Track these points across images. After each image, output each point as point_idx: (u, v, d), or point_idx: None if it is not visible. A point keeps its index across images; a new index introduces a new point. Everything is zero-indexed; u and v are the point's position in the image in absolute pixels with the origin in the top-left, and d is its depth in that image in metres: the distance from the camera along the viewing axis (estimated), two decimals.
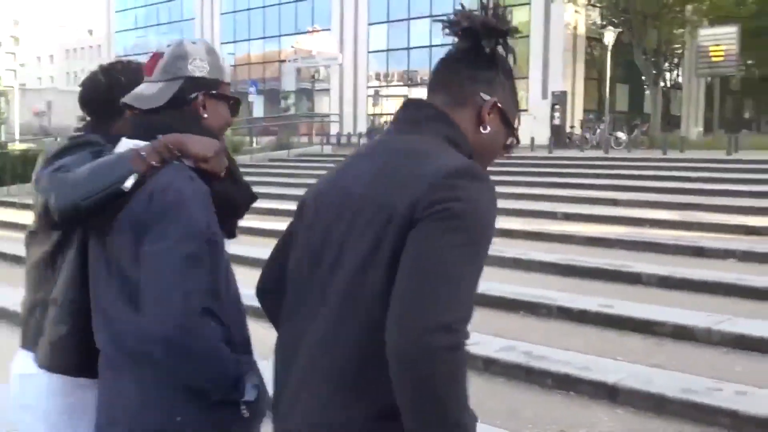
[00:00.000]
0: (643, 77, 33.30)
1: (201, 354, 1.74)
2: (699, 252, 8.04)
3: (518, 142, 1.76)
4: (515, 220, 10.07)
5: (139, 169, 1.78)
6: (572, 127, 32.42)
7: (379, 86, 46.19)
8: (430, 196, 1.43)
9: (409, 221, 1.43)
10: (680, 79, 43.65)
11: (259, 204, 2.23)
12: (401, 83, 46.79)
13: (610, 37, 27.41)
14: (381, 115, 46.34)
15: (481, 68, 1.69)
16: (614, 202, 11.85)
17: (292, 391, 1.58)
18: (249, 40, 50.51)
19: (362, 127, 42.28)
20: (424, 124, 1.64)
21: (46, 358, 2.09)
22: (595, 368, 4.83)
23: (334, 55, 38.27)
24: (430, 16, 42.52)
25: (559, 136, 29.31)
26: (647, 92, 33.79)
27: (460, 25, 1.71)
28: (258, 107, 49.71)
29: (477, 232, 1.44)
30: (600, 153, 21.80)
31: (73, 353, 2.04)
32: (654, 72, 32.22)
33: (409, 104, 1.74)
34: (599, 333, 5.72)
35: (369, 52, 45.95)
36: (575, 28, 36.70)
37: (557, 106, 32.29)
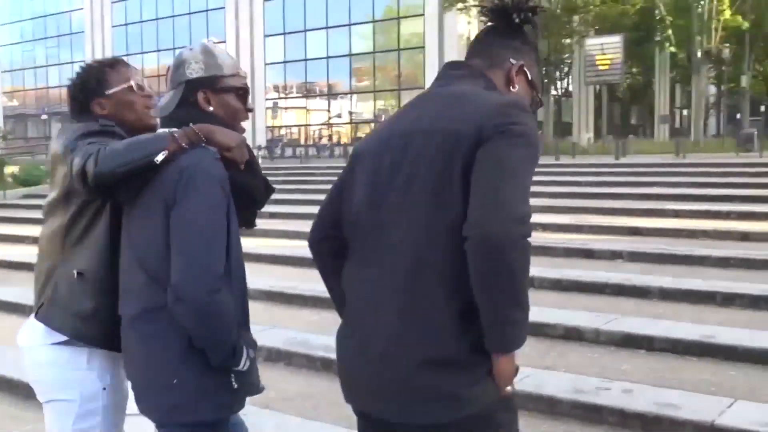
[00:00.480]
0: None
1: (218, 317, 1.96)
2: (589, 254, 8.26)
3: (542, 103, 2.10)
4: None
5: (170, 148, 2.02)
6: None
7: (278, 98, 45.90)
8: (493, 121, 1.74)
9: (476, 141, 1.72)
10: (571, 88, 45.11)
11: None
12: (300, 95, 46.66)
13: None
14: (280, 127, 46.04)
15: (510, 37, 2.00)
16: None
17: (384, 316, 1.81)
18: (142, 53, 49.33)
19: (261, 140, 41.89)
20: (467, 79, 1.95)
21: (74, 329, 2.25)
22: None
23: None
24: (326, 27, 42.64)
25: None
26: None
27: (493, 2, 2.01)
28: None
29: (533, 149, 1.77)
30: None
31: (98, 326, 2.24)
32: (545, 80, 33.16)
33: (451, 64, 2.05)
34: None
35: (266, 64, 45.63)
36: (468, 38, 37.39)
37: None
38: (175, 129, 2.09)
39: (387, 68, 42.48)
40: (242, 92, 2.26)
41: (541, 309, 6.21)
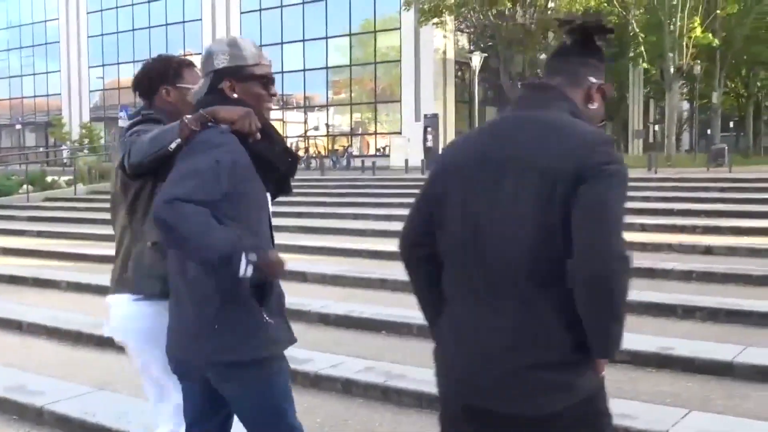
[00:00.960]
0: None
1: (182, 219, 2.21)
2: None
3: (610, 117, 2.33)
4: (385, 241, 10.14)
5: (183, 135, 2.42)
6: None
7: None
8: (591, 161, 1.90)
9: (576, 179, 1.88)
10: None
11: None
12: (277, 107, 46.58)
13: (477, 61, 28.26)
14: None
15: (588, 56, 2.16)
16: None
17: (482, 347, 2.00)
18: (118, 63, 49.10)
19: None
20: (552, 102, 2.08)
21: (158, 289, 2.70)
22: (426, 378, 4.91)
23: None
24: (303, 39, 42.73)
25: (432, 157, 29.85)
26: None
27: (574, 22, 2.15)
28: None
29: (626, 184, 1.95)
30: None
31: (162, 284, 2.64)
32: None
33: (535, 86, 2.19)
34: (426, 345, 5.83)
35: None
36: (444, 52, 37.67)
37: (430, 129, 32.96)
38: (187, 116, 2.46)
39: (364, 81, 42.63)
40: (265, 80, 2.59)
41: None
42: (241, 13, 44.85)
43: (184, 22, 47.18)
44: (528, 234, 1.93)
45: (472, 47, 36.21)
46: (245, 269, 2.25)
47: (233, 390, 2.49)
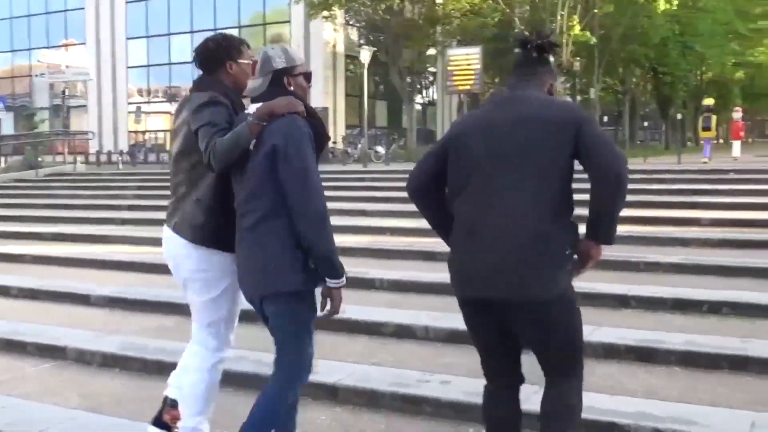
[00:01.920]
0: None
1: (324, 222, 3.11)
2: (431, 256, 8.57)
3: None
4: None
5: (254, 135, 3.15)
6: (335, 142, 33.21)
7: (141, 102, 44.64)
8: (581, 116, 2.99)
9: (575, 126, 2.90)
10: (435, 96, 46.20)
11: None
12: (164, 99, 45.61)
13: (366, 55, 28.44)
14: (144, 132, 44.84)
15: (545, 65, 3.17)
16: (363, 213, 12.37)
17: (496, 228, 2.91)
18: None
19: (124, 145, 40.70)
20: (536, 89, 3.10)
21: (188, 234, 3.43)
22: (321, 370, 5.03)
23: (86, 70, 36.45)
24: (191, 31, 41.92)
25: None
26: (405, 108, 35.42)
27: (533, 42, 3.12)
28: (7, 124, 46.34)
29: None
30: (360, 167, 22.41)
31: (207, 233, 3.40)
32: (409, 89, 33.84)
33: (521, 79, 3.13)
34: (331, 337, 5.94)
35: (128, 67, 44.40)
36: (334, 46, 37.76)
37: None
38: (249, 120, 3.15)
39: None
40: (307, 75, 3.38)
41: (378, 308, 6.49)
42: (127, 2, 43.60)
43: (66, 10, 45.50)
44: (539, 166, 2.90)
45: (362, 41, 36.41)
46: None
47: (279, 314, 3.21)
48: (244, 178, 3.20)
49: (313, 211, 3.07)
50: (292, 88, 3.26)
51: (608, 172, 2.84)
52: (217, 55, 3.52)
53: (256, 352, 5.53)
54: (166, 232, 3.58)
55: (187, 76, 43.24)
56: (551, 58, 3.24)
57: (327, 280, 3.17)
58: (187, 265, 3.50)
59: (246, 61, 3.50)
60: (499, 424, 3.21)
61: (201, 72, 3.59)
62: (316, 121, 3.24)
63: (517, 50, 3.26)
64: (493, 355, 3.20)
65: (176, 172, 3.55)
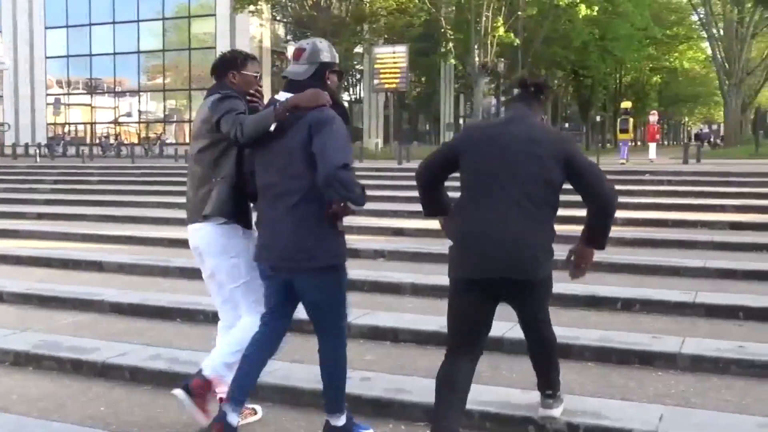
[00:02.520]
0: None
1: (348, 182, 3.44)
2: (354, 254, 8.59)
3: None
4: (185, 230, 9.99)
5: (278, 118, 3.58)
6: None
7: (61, 94, 43.36)
8: (571, 147, 3.65)
9: (565, 155, 3.54)
10: (362, 94, 46.26)
11: None
12: (85, 91, 44.48)
13: (291, 51, 28.28)
14: (64, 124, 43.58)
15: (539, 101, 3.82)
16: None
17: (496, 219, 3.49)
18: None
19: (42, 138, 39.50)
20: (530, 117, 3.73)
21: (215, 210, 3.88)
22: None
23: (1, 59, 35.24)
24: (113, 22, 40.97)
25: None
26: None
27: (528, 83, 3.82)
28: None
29: None
30: None
31: (233, 208, 3.89)
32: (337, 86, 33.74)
33: (519, 107, 3.78)
34: None
35: (47, 57, 43.08)
36: (261, 41, 37.41)
37: None
38: (276, 106, 3.60)
39: (178, 67, 41.53)
40: (340, 74, 3.88)
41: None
42: None
43: None
44: (531, 173, 3.49)
45: (289, 37, 36.20)
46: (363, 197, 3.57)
47: (313, 287, 3.69)
48: (279, 161, 3.63)
49: (332, 165, 3.42)
50: (329, 82, 3.73)
51: (598, 195, 3.55)
52: (223, 65, 4.09)
53: (172, 349, 5.48)
54: (193, 227, 4.05)
55: (108, 68, 42.36)
56: (542, 97, 3.84)
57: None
58: (221, 242, 3.97)
59: (250, 73, 4.09)
60: (455, 390, 3.63)
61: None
62: (340, 110, 3.68)
63: (516, 90, 3.95)
64: (474, 330, 3.69)
65: (199, 167, 4.02)
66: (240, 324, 4.11)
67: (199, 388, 3.93)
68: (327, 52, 3.74)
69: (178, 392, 3.93)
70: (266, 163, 3.70)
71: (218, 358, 4.02)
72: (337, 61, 3.81)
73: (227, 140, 3.81)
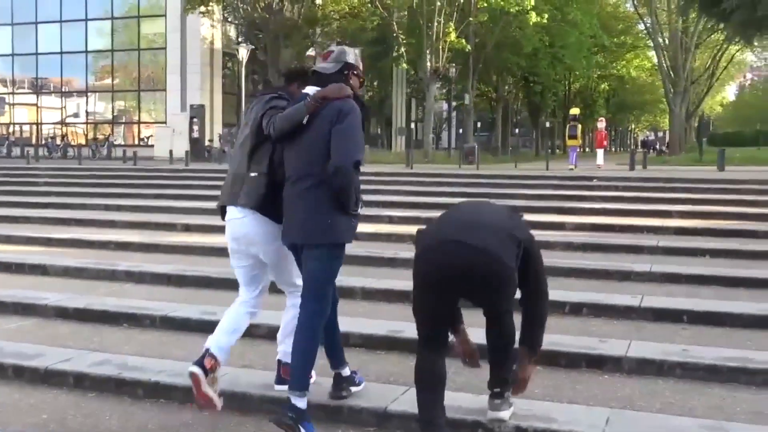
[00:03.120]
0: None
1: (353, 180, 3.94)
2: None
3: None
4: (132, 233, 9.91)
5: (309, 111, 4.01)
6: (210, 140, 32.67)
7: (5, 93, 42.36)
8: (529, 236, 4.18)
9: (524, 244, 4.01)
10: None
11: None
12: (31, 90, 43.58)
13: (243, 53, 28.10)
14: (9, 124, 42.60)
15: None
16: None
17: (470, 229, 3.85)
18: None
19: None
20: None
21: (253, 203, 4.23)
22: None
23: None
24: (60, 20, 40.21)
25: (197, 149, 29.36)
26: None
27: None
28: None
29: None
30: None
31: (268, 201, 4.21)
32: None
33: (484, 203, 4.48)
34: (201, 340, 5.82)
35: None
36: (212, 42, 37.09)
37: (195, 120, 32.29)
38: (306, 100, 4.03)
39: (127, 68, 40.91)
40: (361, 78, 4.30)
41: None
42: None
43: None
44: (494, 225, 3.91)
45: (240, 39, 35.92)
46: (359, 207, 4.07)
47: (315, 260, 4.03)
48: (302, 148, 4.05)
49: (348, 159, 3.90)
50: (351, 82, 4.16)
51: (542, 291, 4.07)
52: (290, 76, 4.60)
53: (119, 355, 5.38)
54: (232, 213, 4.33)
55: (55, 67, 41.52)
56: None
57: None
58: (261, 230, 4.27)
59: (300, 90, 4.38)
60: (434, 380, 3.87)
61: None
62: (360, 103, 4.10)
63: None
64: (443, 323, 4.02)
65: (242, 154, 4.38)
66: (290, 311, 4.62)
67: (211, 368, 4.20)
68: (352, 55, 4.24)
69: (196, 369, 4.16)
70: (293, 153, 4.11)
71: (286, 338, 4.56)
72: (361, 67, 4.28)
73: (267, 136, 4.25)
